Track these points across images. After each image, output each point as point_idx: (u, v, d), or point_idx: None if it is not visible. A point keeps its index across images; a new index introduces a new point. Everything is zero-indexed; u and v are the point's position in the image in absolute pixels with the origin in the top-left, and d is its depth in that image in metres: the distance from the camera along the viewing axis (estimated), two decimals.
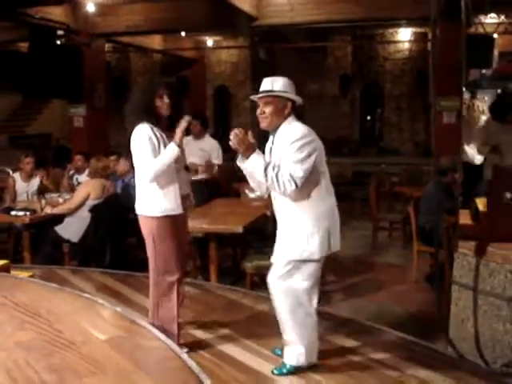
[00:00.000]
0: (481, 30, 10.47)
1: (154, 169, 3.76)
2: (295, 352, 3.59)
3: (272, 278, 3.61)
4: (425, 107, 16.21)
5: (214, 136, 7.72)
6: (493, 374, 3.73)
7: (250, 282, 5.52)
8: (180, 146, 3.81)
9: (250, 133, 3.46)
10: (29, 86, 14.97)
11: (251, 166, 3.43)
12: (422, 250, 6.24)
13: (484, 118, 6.73)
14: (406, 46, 17.15)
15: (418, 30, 15.96)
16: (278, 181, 3.36)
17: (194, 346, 3.93)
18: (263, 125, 3.56)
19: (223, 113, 19.58)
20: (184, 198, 3.95)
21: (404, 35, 16.92)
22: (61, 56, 11.58)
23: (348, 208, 10.79)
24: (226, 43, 18.38)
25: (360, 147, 17.01)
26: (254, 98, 3.60)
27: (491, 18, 12.43)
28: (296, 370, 3.60)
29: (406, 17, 11.49)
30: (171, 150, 3.79)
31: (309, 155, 3.38)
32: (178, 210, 3.88)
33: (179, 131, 3.83)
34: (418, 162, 12.09)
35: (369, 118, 18.77)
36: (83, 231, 6.17)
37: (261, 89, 3.55)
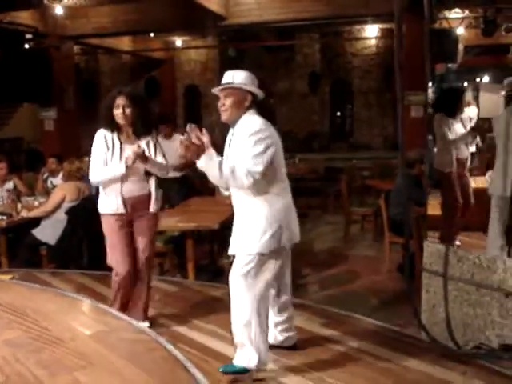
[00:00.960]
0: (446, 25, 10.71)
1: (98, 175, 4.17)
2: (246, 354, 3.49)
3: (233, 276, 3.55)
4: (394, 102, 16.46)
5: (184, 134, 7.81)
6: (465, 355, 3.89)
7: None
8: (130, 167, 4.07)
9: (203, 130, 3.42)
10: None
11: (203, 165, 3.38)
12: (393, 241, 6.40)
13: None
14: (373, 42, 17.39)
15: (385, 26, 16.19)
16: (233, 176, 3.34)
17: (177, 342, 4.03)
18: (223, 117, 3.57)
19: (193, 111, 19.65)
20: (131, 200, 4.20)
21: (371, 32, 17.15)
22: (30, 60, 11.56)
23: (321, 203, 10.99)
24: (195, 43, 18.43)
25: (330, 143, 17.22)
26: (214, 90, 3.65)
27: (455, 13, 12.69)
28: (244, 372, 3.50)
29: (372, 13, 11.64)
30: (118, 171, 4.10)
31: (266, 149, 3.38)
32: (118, 211, 4.17)
33: (130, 157, 4.04)
34: (387, 156, 12.30)
35: (339, 113, 18.99)
36: (60, 234, 6.20)
37: (222, 81, 3.59)
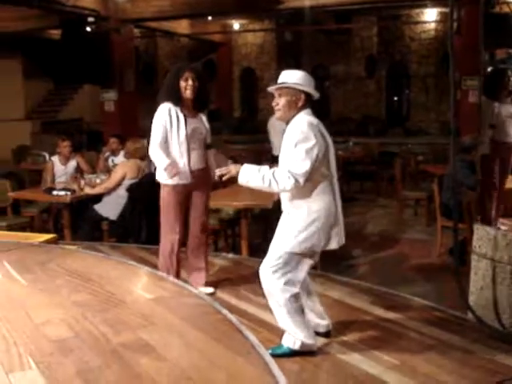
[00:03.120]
0: (507, 9, 10.51)
1: (154, 151, 4.40)
2: (291, 337, 3.58)
3: (263, 269, 3.59)
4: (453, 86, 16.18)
5: (240, 117, 8.04)
6: (508, 336, 3.96)
7: None
8: (166, 169, 4.36)
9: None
10: (61, 72, 15.40)
11: (244, 182, 3.46)
12: (445, 226, 6.41)
13: None
14: (432, 26, 17.11)
15: (444, 9, 15.93)
16: (275, 180, 3.36)
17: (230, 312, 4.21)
18: (277, 115, 3.60)
19: (249, 94, 19.82)
20: (195, 172, 4.44)
21: (430, 15, 16.88)
22: (91, 42, 11.90)
23: (375, 187, 11.03)
24: (252, 26, 18.52)
25: (386, 127, 17.09)
26: (269, 89, 3.64)
27: None
28: (292, 354, 3.57)
29: None
30: (162, 164, 4.34)
31: (308, 152, 3.36)
32: (182, 181, 4.37)
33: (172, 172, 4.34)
34: (443, 142, 12.19)
35: (395, 98, 18.81)
36: (121, 209, 6.49)
37: (278, 80, 3.58)
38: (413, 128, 16.95)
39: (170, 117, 4.34)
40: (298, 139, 3.40)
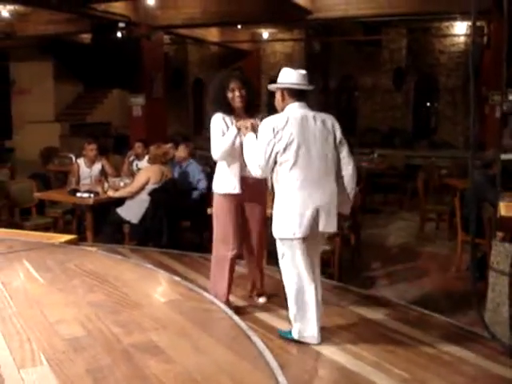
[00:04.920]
0: None
1: (218, 147, 4.25)
2: (295, 327, 3.75)
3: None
4: (480, 100, 16.08)
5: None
6: None
7: None
8: (239, 129, 4.17)
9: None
10: (90, 76, 15.64)
11: (244, 141, 3.94)
12: (466, 241, 6.36)
13: None
14: (462, 39, 17.01)
15: None
16: (250, 161, 3.79)
17: (243, 319, 4.23)
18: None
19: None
20: (249, 180, 4.27)
21: (460, 29, 16.79)
22: (121, 48, 12.08)
23: (398, 199, 10.98)
24: (281, 35, 18.60)
25: (413, 140, 16.99)
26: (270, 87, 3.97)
27: None
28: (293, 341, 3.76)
29: (461, 10, 11.43)
30: (231, 131, 4.21)
31: (264, 146, 3.67)
32: (235, 191, 4.26)
33: (244, 124, 4.15)
34: (467, 156, 12.08)
35: (423, 110, 18.70)
36: (142, 213, 6.55)
37: None
38: (439, 141, 16.83)
39: (226, 125, 4.29)
40: (260, 132, 3.75)
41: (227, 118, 4.32)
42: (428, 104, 18.63)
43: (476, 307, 4.11)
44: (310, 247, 3.82)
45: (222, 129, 4.28)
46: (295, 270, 3.72)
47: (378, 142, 15.42)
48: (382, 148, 13.50)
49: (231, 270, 4.25)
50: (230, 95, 4.31)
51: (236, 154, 4.24)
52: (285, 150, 3.66)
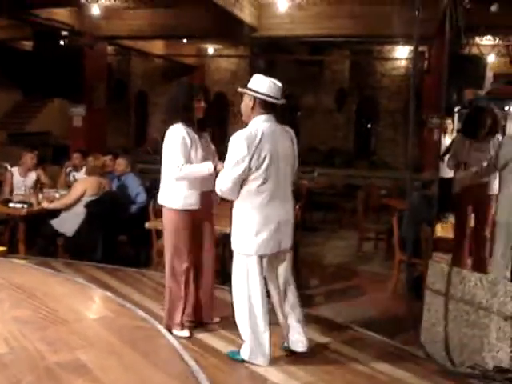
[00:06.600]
0: (477, 51, 10.76)
1: (185, 173, 4.09)
2: (245, 347, 3.72)
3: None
4: (419, 123, 16.41)
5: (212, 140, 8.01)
6: (457, 374, 3.95)
7: None
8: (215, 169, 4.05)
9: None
10: (30, 84, 15.23)
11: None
12: (403, 260, 6.41)
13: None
14: (403, 63, 17.41)
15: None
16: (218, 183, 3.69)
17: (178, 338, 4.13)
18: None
19: (221, 119, 19.85)
20: (205, 195, 4.21)
21: (401, 53, 17.19)
22: (63, 56, 11.82)
23: (337, 218, 11.05)
24: (227, 52, 18.61)
25: (353, 160, 17.24)
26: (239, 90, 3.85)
27: (487, 40, 12.74)
28: (242, 362, 3.71)
29: (403, 35, 11.68)
30: (206, 169, 4.08)
31: (234, 163, 3.57)
32: (196, 206, 4.16)
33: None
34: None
35: (363, 131, 19.01)
36: (77, 226, 6.37)
37: None
38: (379, 162, 17.13)
39: (188, 137, 4.14)
40: (230, 149, 3.59)
41: (188, 130, 4.15)
42: (369, 125, 18.96)
43: (412, 327, 4.13)
44: (271, 264, 3.79)
45: (184, 143, 4.10)
46: (249, 288, 3.66)
47: (319, 161, 15.56)
48: (323, 167, 13.62)
49: (187, 285, 4.14)
50: (196, 105, 4.21)
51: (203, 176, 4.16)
52: (257, 167, 3.58)
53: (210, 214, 4.37)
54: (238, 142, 3.57)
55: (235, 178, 3.55)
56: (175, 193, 4.19)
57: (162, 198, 4.27)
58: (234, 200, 3.71)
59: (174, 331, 3.79)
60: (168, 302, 3.99)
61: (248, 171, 3.55)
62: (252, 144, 3.55)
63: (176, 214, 4.18)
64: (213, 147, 4.47)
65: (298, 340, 3.97)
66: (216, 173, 3.94)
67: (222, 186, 3.59)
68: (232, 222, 3.78)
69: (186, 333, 3.87)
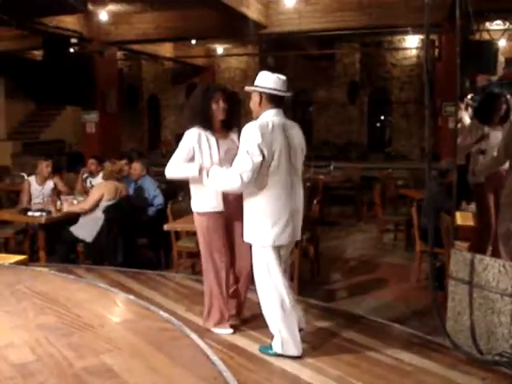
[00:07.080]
0: (487, 36, 10.66)
1: (169, 173, 4.12)
2: (277, 341, 3.72)
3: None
4: (432, 113, 16.31)
5: None
6: (486, 362, 3.90)
7: None
8: (201, 172, 4.02)
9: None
10: (42, 93, 15.35)
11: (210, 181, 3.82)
12: (424, 251, 6.37)
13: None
14: (414, 52, 17.32)
15: None
16: (228, 180, 3.65)
17: (204, 338, 4.10)
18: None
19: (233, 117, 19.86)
20: (229, 197, 4.12)
21: (411, 42, 17.09)
22: (74, 64, 11.88)
23: (355, 212, 11.01)
24: (236, 50, 18.64)
25: (368, 152, 17.17)
26: (247, 89, 3.88)
27: (497, 25, 12.61)
28: (276, 355, 3.73)
29: (412, 24, 11.61)
30: (191, 171, 4.05)
31: (250, 152, 3.55)
32: (220, 208, 4.12)
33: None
34: (423, 167, 12.21)
35: (377, 124, 18.93)
36: (97, 231, 6.39)
37: None
38: (394, 153, 17.05)
39: (200, 143, 4.10)
40: (243, 139, 3.61)
41: (203, 134, 4.11)
42: (382, 117, 18.88)
43: (437, 317, 4.09)
44: (285, 255, 3.83)
45: (190, 147, 4.10)
46: (272, 279, 3.68)
47: (334, 155, 15.51)
48: (338, 161, 13.57)
49: (227, 282, 4.14)
50: (214, 106, 4.14)
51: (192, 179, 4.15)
52: (271, 157, 3.61)
53: (239, 214, 4.30)
54: (251, 132, 3.59)
55: (255, 167, 3.55)
56: (198, 197, 4.20)
57: (191, 203, 4.28)
58: (246, 191, 3.73)
59: (216, 329, 3.90)
60: (208, 301, 4.05)
61: (262, 157, 3.57)
62: (265, 133, 3.59)
63: (203, 217, 4.18)
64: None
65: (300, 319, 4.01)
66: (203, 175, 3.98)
67: (245, 178, 3.54)
68: (245, 215, 3.80)
69: (228, 330, 3.98)
